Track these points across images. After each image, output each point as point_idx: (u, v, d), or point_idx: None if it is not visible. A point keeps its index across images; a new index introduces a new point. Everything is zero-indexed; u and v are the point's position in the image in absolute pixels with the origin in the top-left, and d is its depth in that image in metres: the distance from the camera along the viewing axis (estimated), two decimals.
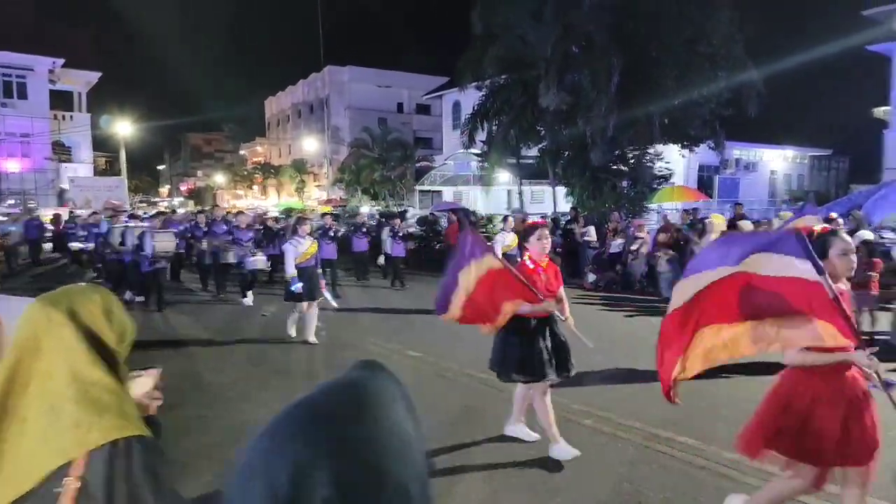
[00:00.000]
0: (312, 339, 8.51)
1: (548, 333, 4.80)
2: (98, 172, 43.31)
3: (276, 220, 17.56)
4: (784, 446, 3.17)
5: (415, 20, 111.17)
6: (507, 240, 11.61)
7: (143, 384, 1.52)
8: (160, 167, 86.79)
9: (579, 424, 5.36)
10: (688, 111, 18.79)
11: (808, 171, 38.01)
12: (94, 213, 18.59)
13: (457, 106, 35.11)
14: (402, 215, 18.53)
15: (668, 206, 20.17)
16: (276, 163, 55.81)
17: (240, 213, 14.35)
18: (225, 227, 13.14)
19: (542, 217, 19.51)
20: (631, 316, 10.81)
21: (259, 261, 12.23)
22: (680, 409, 5.71)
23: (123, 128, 35.58)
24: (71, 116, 38.20)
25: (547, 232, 4.97)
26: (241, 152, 67.13)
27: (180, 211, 28.34)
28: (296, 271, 8.24)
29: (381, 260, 14.90)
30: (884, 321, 8.52)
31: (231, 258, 12.48)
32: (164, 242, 11.01)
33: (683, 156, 22.06)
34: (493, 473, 4.42)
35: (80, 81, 38.19)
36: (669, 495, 4.03)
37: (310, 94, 52.56)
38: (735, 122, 20.28)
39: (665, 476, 4.32)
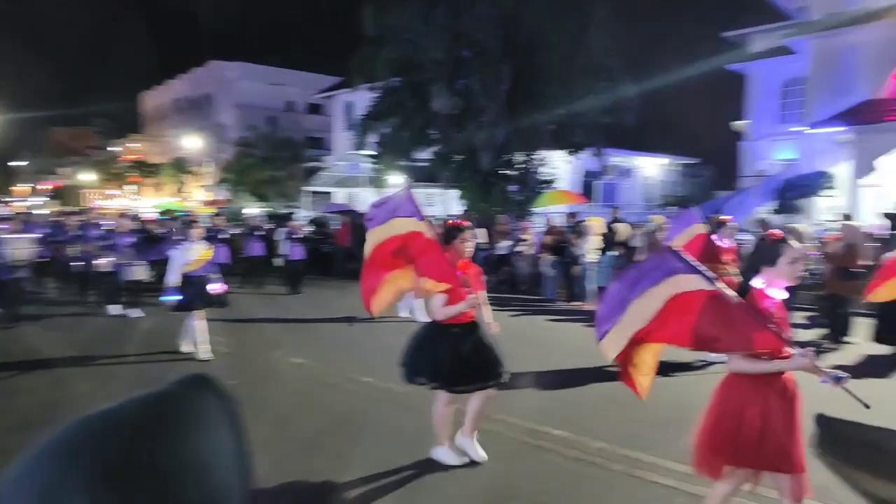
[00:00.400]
0: (206, 355, 7.69)
1: (470, 341, 4.49)
2: None
3: (160, 223, 16.38)
4: (745, 460, 3.06)
5: (307, 18, 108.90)
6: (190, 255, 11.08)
7: None
8: (12, 164, 78.99)
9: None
10: (572, 119, 19.73)
11: (678, 178, 40.97)
12: None
13: (349, 106, 34.74)
14: (288, 217, 18.11)
15: (553, 210, 21.05)
16: (154, 161, 52.58)
17: (120, 215, 13.09)
18: (98, 231, 11.94)
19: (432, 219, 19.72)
20: (515, 315, 11.16)
21: (140, 270, 11.16)
22: (555, 403, 6.00)
23: None
24: None
25: (470, 234, 4.67)
26: (115, 149, 62.61)
27: (39, 212, 26.00)
28: (179, 280, 7.46)
29: (279, 262, 14.50)
30: None
31: (107, 266, 11.28)
32: (22, 249, 10.09)
33: (568, 162, 23.10)
34: (372, 475, 4.40)
35: None
36: (542, 486, 4.19)
37: (191, 89, 50.03)
38: (615, 131, 21.54)
39: (539, 468, 4.50)
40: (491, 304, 11.80)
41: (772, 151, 24.60)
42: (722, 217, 8.39)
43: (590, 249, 11.65)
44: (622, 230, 11.92)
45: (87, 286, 11.71)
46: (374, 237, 4.45)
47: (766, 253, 3.13)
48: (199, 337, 7.76)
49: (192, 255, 7.61)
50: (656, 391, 6.22)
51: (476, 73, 18.51)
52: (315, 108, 47.18)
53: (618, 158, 34.53)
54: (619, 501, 3.98)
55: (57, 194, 60.56)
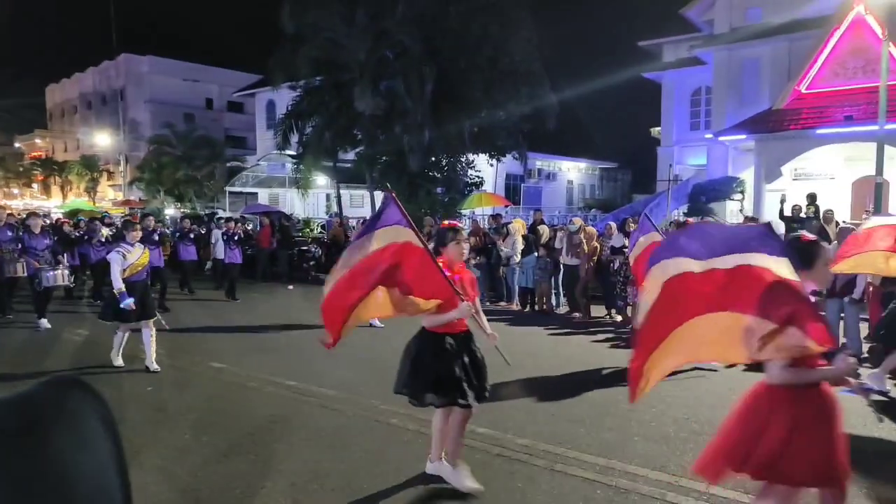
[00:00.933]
0: (154, 366, 7.10)
1: (465, 351, 4.14)
2: None
3: (74, 224, 15.15)
4: (757, 471, 2.78)
5: (227, 13, 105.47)
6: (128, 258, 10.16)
7: None
8: None
9: (387, 424, 5.41)
10: (494, 123, 20.04)
11: (598, 182, 42.39)
12: None
13: (271, 105, 33.92)
14: (210, 217, 17.44)
15: (478, 212, 21.30)
16: (61, 158, 49.50)
17: (31, 214, 11.80)
18: (10, 233, 10.85)
19: (360, 221, 19.55)
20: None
21: (61, 275, 10.19)
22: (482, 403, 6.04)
23: None
24: None
25: (465, 234, 4.37)
26: (17, 145, 58.55)
27: None
28: (123, 286, 6.89)
29: (209, 266, 13.91)
30: None
31: (20, 271, 10.29)
32: None
33: (492, 165, 23.44)
34: (296, 479, 4.29)
35: None
36: None
37: (101, 83, 47.48)
38: (537, 135, 22.04)
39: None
40: None
41: (685, 157, 25.85)
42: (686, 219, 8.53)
43: (513, 251, 11.86)
44: (544, 232, 12.20)
45: (3, 294, 10.69)
46: (353, 254, 3.99)
47: (800, 255, 2.89)
48: (150, 347, 7.16)
49: (132, 258, 7.06)
50: (575, 390, 6.43)
51: (399, 74, 18.48)
52: (236, 107, 45.81)
53: (540, 162, 35.43)
54: (541, 494, 4.05)
55: None
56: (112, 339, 7.38)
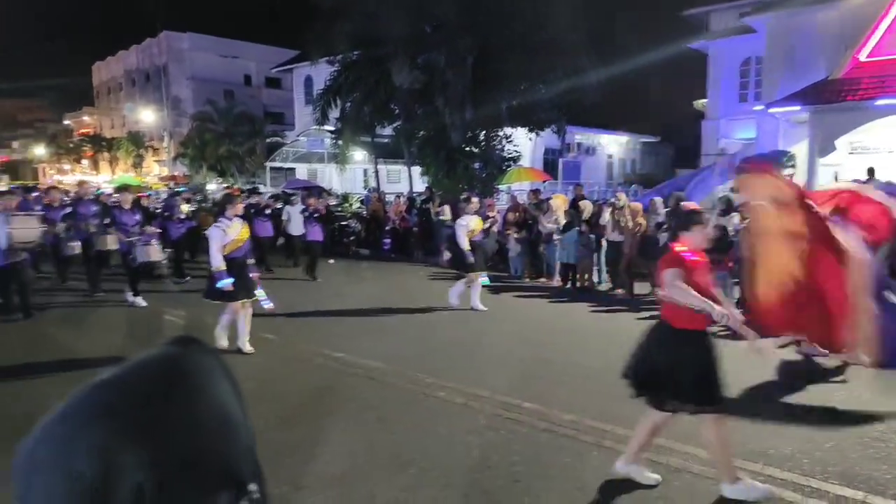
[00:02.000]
0: (247, 347, 6.81)
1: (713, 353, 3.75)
2: None
3: (149, 196, 15.06)
4: None
5: None
6: (470, 224, 9.27)
7: None
8: None
9: (434, 397, 5.46)
10: (533, 96, 19.70)
11: (639, 156, 41.56)
12: None
13: (309, 80, 34.02)
14: (251, 192, 17.66)
15: (516, 187, 21.11)
16: (108, 135, 50.78)
17: (122, 189, 11.40)
18: (94, 208, 10.54)
19: (397, 196, 19.61)
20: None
21: (153, 250, 9.73)
22: (526, 377, 6.05)
23: None
24: None
25: (709, 218, 4.05)
26: (66, 122, 60.24)
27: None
28: (223, 263, 6.49)
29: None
30: None
31: (110, 244, 9.94)
32: (26, 229, 8.52)
33: (530, 139, 23.14)
34: (347, 448, 4.38)
35: None
36: (515, 458, 4.23)
37: (144, 61, 48.32)
38: (577, 109, 21.63)
39: (511, 441, 4.54)
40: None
41: (732, 130, 25.07)
42: None
43: (554, 226, 11.74)
44: (586, 207, 12.02)
45: (91, 271, 10.48)
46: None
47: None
48: (244, 329, 6.84)
49: (232, 233, 6.63)
50: (620, 367, 6.36)
51: (437, 47, 18.27)
52: (273, 83, 46.11)
53: (580, 136, 34.85)
54: (591, 470, 4.05)
55: (7, 168, 58.00)
56: (215, 320, 7.00)
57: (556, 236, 11.70)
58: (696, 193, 20.44)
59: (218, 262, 6.50)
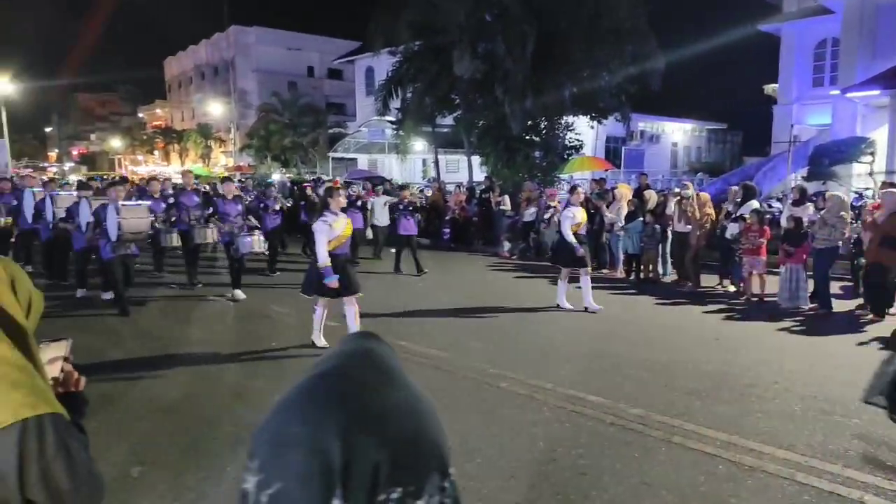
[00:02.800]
0: (322, 341, 6.66)
1: None
2: None
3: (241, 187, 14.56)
4: None
5: None
6: (576, 215, 8.66)
7: (52, 355, 1.43)
8: (49, 130, 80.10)
9: (497, 388, 5.50)
10: (596, 84, 19.32)
11: (705, 144, 40.19)
12: (3, 177, 15.28)
13: (370, 71, 34.42)
14: (316, 182, 18.07)
15: (578, 176, 20.80)
16: (178, 127, 52.85)
17: (225, 179, 11.34)
18: (196, 199, 10.42)
19: (457, 186, 19.67)
20: (543, 282, 11.14)
21: (257, 241, 9.30)
22: (590, 369, 6.02)
23: (2, 86, 32.47)
24: None
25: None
26: (140, 115, 63.02)
27: (72, 178, 26.27)
28: (329, 260, 6.25)
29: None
30: (772, 284, 9.26)
31: (209, 237, 9.75)
32: (136, 219, 8.19)
33: (592, 127, 22.75)
34: None
35: None
36: (581, 451, 4.23)
37: (213, 54, 49.90)
38: (640, 96, 21.08)
39: (577, 433, 4.53)
40: (518, 271, 11.65)
41: (805, 116, 23.93)
42: None
43: (618, 217, 11.54)
44: (651, 197, 11.75)
45: (190, 263, 10.35)
46: None
47: None
48: (353, 325, 6.51)
49: (338, 228, 6.31)
50: (690, 361, 6.24)
51: (498, 36, 18.15)
52: (335, 74, 46.85)
53: (643, 124, 33.98)
54: (659, 466, 4.00)
55: (84, 160, 61.25)
56: (318, 315, 6.72)
57: (619, 226, 11.50)
58: (765, 182, 19.69)
59: (324, 258, 6.21)
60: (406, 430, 0.66)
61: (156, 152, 54.57)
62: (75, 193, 9.78)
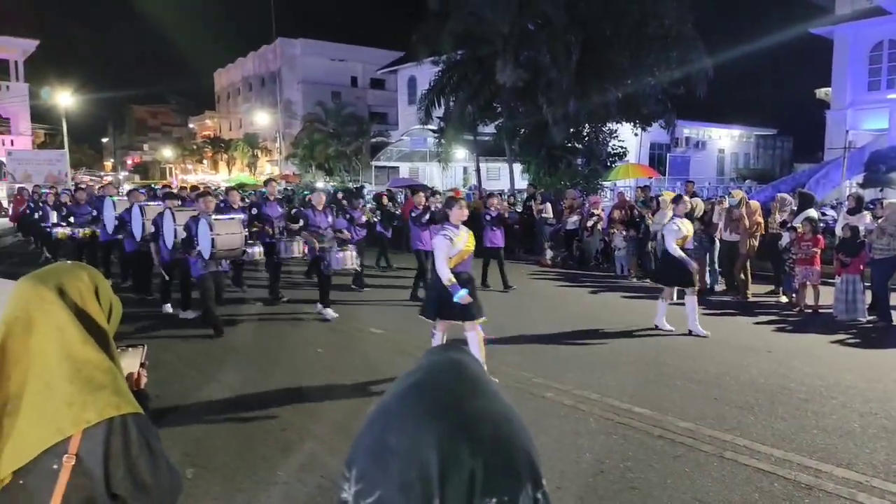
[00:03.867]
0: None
1: None
2: (39, 145, 41.38)
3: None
4: None
5: None
6: (682, 227, 7.76)
7: (130, 360, 1.52)
8: (104, 140, 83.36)
9: (541, 398, 5.47)
10: (641, 90, 19.10)
11: (753, 150, 39.21)
12: (81, 186, 15.24)
13: (412, 81, 34.77)
14: (359, 191, 18.29)
15: (622, 184, 20.55)
16: (226, 137, 54.31)
17: (268, 182, 10.41)
18: (280, 209, 9.90)
19: (498, 193, 19.66)
20: (586, 291, 11.02)
21: (349, 256, 8.49)
22: (636, 381, 5.92)
23: (64, 98, 33.96)
24: (7, 86, 36.27)
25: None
26: (190, 126, 65.03)
27: (125, 187, 27.23)
28: (452, 276, 5.55)
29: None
30: (827, 295, 8.95)
31: (296, 251, 9.10)
32: (230, 235, 7.44)
33: (636, 134, 22.48)
34: None
35: (16, 49, 36.25)
36: (629, 464, 4.17)
37: (261, 66, 51.16)
38: (685, 102, 20.76)
39: (624, 445, 4.46)
40: (561, 279, 11.54)
41: (860, 120, 23.11)
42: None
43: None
44: (698, 205, 11.50)
45: (274, 278, 9.84)
46: None
47: None
48: (477, 353, 5.37)
49: (459, 243, 5.60)
50: (741, 374, 6.08)
51: (542, 44, 18.12)
52: (378, 83, 47.46)
53: (688, 130, 33.40)
54: (711, 481, 3.91)
55: (137, 169, 63.50)
56: (417, 338, 6.37)
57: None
58: (818, 190, 19.08)
59: (447, 275, 5.54)
60: (498, 440, 0.68)
61: (204, 161, 56.13)
62: (160, 204, 9.02)
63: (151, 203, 9.45)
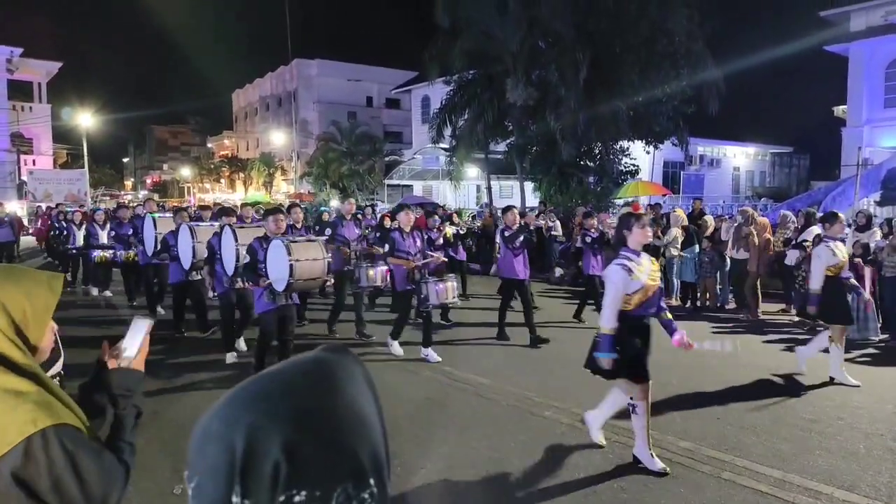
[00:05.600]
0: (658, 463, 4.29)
1: None
2: (60, 165, 42.21)
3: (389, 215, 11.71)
4: None
5: (384, 15, 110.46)
6: (836, 250, 6.31)
7: (135, 332, 1.61)
8: (125, 160, 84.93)
9: (540, 417, 5.39)
10: (652, 107, 19.08)
11: (769, 168, 38.89)
12: (123, 204, 14.29)
13: (426, 100, 35.08)
14: (372, 208, 18.35)
15: (634, 201, 20.44)
16: (243, 156, 55.00)
17: (401, 208, 8.15)
18: (357, 231, 8.59)
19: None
20: (588, 310, 10.91)
21: (450, 289, 7.23)
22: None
23: (85, 119, 34.67)
24: (30, 107, 37.13)
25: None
26: (209, 145, 66.00)
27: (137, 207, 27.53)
28: (615, 321, 4.20)
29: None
30: None
31: (379, 279, 8.01)
32: (311, 261, 5.90)
33: (648, 152, 22.41)
34: (449, 465, 4.41)
35: (40, 71, 37.16)
36: (623, 484, 4.07)
37: (277, 87, 51.93)
38: (699, 119, 20.68)
39: (620, 465, 4.37)
40: (570, 298, 11.48)
41: (877, 138, 22.88)
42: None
43: (674, 242, 11.23)
44: (709, 223, 11.38)
45: (359, 307, 8.41)
46: None
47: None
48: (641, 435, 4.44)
49: (642, 275, 4.20)
50: (746, 393, 5.95)
51: (552, 62, 18.21)
52: (393, 103, 47.96)
53: (703, 148, 33.23)
54: (707, 503, 3.81)
55: (156, 188, 64.46)
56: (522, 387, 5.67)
57: (674, 253, 11.19)
58: (835, 207, 18.81)
59: (611, 320, 4.21)
60: (318, 435, 0.66)
61: (222, 180, 56.83)
62: (214, 224, 7.69)
63: (202, 224, 8.08)
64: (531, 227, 8.87)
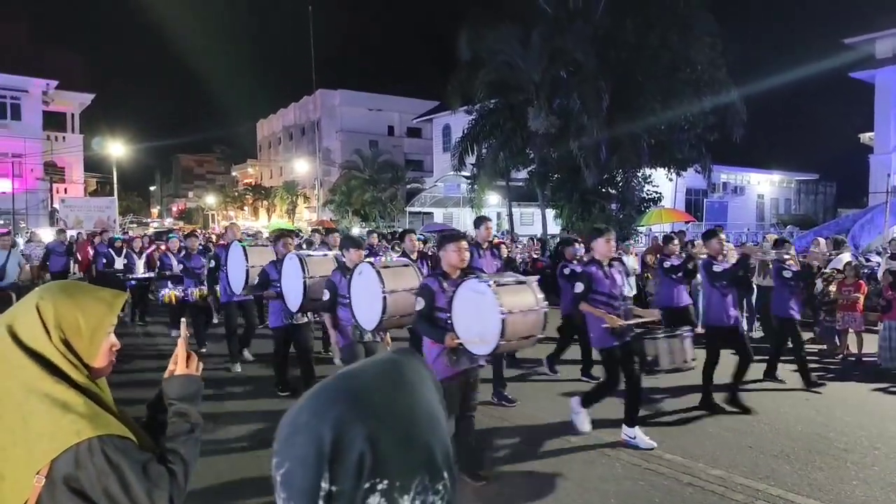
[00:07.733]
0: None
1: None
2: (90, 193, 43.23)
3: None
4: None
5: (406, 45, 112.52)
6: None
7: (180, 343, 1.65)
8: (152, 188, 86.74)
9: (567, 441, 5.34)
10: (674, 135, 19.09)
11: (794, 196, 38.48)
12: (192, 233, 11.73)
13: (447, 129, 35.46)
14: (400, 236, 18.45)
15: (656, 229, 20.34)
16: (267, 184, 55.85)
17: (482, 219, 7.08)
18: (497, 263, 6.79)
19: (531, 238, 19.66)
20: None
21: (688, 346, 5.84)
22: (665, 427, 5.74)
23: (115, 149, 35.59)
24: (64, 138, 38.21)
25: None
26: (233, 174, 67.17)
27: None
28: None
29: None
30: (870, 343, 8.60)
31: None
32: (405, 292, 4.78)
33: (671, 179, 22.35)
34: (474, 490, 4.38)
35: (74, 103, 38.30)
36: None
37: (301, 116, 52.86)
38: (722, 147, 20.62)
39: (651, 492, 4.31)
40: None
41: None
42: None
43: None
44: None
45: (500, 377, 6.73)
46: None
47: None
48: None
49: None
50: (778, 422, 5.83)
51: (573, 91, 18.37)
52: (414, 132, 48.54)
53: (726, 175, 33.03)
54: None
55: (181, 216, 65.64)
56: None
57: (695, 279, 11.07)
58: (863, 235, 18.51)
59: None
60: (397, 430, 0.72)
61: (245, 208, 57.70)
62: (328, 254, 6.55)
63: (315, 254, 6.60)
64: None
